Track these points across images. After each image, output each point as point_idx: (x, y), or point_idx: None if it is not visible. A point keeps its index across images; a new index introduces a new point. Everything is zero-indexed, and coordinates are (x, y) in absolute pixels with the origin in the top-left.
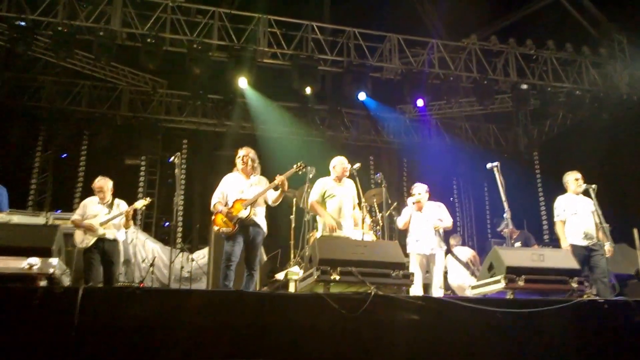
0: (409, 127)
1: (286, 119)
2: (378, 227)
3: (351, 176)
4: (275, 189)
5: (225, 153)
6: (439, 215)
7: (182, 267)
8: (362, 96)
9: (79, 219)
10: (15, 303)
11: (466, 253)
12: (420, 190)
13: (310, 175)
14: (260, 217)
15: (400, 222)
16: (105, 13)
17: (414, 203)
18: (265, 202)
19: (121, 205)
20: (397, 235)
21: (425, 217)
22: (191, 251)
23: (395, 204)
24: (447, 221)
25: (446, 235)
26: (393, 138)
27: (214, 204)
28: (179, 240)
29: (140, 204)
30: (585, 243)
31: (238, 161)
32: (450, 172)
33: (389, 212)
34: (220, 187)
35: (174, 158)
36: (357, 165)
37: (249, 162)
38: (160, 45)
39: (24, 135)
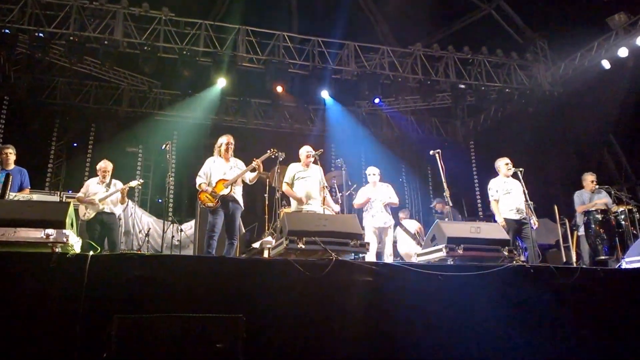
0: (365, 120)
1: (260, 113)
2: (338, 205)
3: (316, 161)
4: (253, 170)
5: (209, 141)
6: (389, 194)
7: (172, 237)
8: (325, 94)
9: (82, 196)
10: (35, 266)
11: (413, 225)
12: (373, 171)
13: (280, 159)
14: (238, 194)
15: (356, 202)
16: (109, 25)
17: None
18: (243, 182)
19: (117, 184)
20: (355, 212)
21: (378, 196)
22: (180, 223)
23: (354, 185)
24: (395, 198)
25: (395, 210)
26: (351, 129)
27: (199, 184)
28: (170, 214)
29: (135, 183)
30: (517, 217)
31: (222, 147)
32: (399, 158)
33: (349, 191)
34: (204, 169)
35: (166, 146)
36: (320, 151)
37: (231, 148)
38: (155, 52)
39: (41, 127)
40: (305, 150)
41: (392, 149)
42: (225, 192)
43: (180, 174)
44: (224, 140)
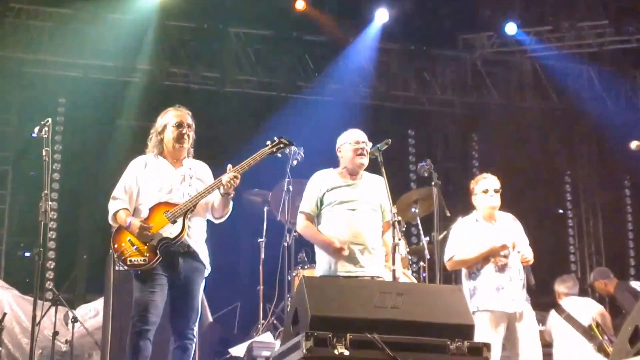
0: (480, 76)
1: (251, 61)
2: (423, 263)
3: (374, 165)
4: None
5: (137, 122)
6: (518, 236)
7: (55, 334)
8: (382, 15)
9: None
10: None
11: (589, 310)
12: (494, 185)
13: (294, 163)
14: (198, 238)
15: (460, 256)
16: None
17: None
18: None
19: None
20: (458, 277)
21: (508, 243)
22: (72, 304)
23: (459, 218)
24: (530, 252)
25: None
26: (450, 94)
27: (115, 212)
28: (50, 284)
29: None
30: None
31: (168, 134)
32: (558, 160)
33: (444, 234)
34: (125, 181)
35: (41, 129)
36: (385, 142)
37: (188, 136)
38: None
39: None
40: (352, 140)
41: (542, 139)
42: (170, 231)
43: (72, 192)
44: (171, 118)
